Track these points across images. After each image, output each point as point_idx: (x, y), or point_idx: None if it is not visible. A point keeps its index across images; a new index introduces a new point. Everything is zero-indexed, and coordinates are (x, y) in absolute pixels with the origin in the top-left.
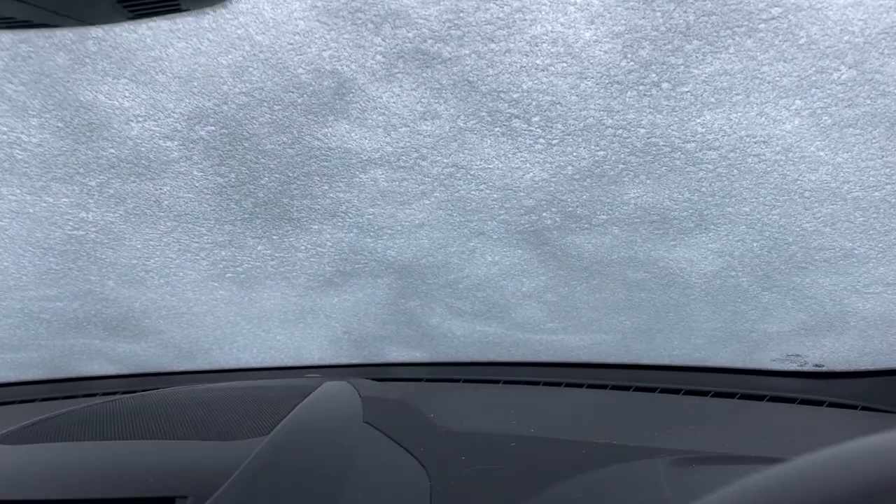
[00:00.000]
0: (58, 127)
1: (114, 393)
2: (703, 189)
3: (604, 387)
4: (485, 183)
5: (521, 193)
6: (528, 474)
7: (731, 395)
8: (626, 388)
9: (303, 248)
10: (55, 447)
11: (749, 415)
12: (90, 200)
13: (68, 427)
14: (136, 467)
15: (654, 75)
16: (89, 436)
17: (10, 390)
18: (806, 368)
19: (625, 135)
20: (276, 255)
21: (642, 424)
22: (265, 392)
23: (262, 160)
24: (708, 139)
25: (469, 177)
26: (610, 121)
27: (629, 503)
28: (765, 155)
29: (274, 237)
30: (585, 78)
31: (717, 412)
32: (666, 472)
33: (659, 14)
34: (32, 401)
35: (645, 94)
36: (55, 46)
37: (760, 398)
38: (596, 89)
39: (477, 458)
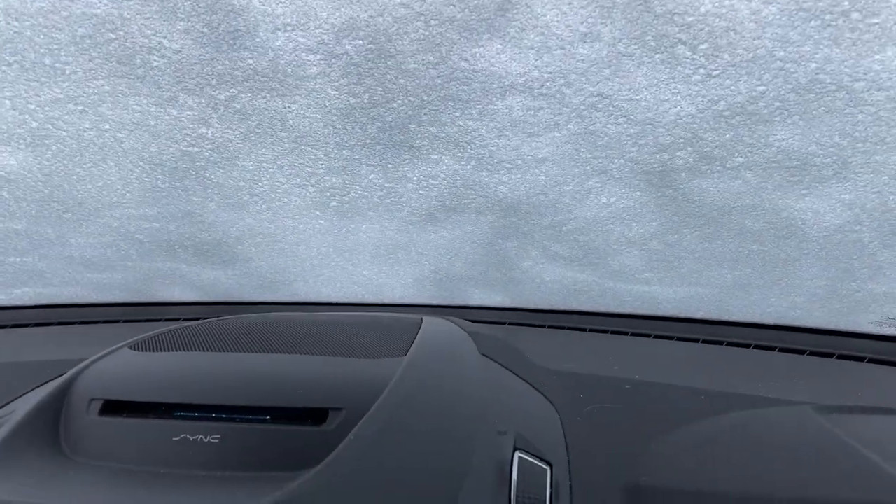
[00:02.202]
0: (202, 33)
1: (196, 319)
2: (857, 134)
3: (695, 340)
4: (625, 116)
5: (661, 129)
6: (653, 416)
7: (828, 355)
8: (718, 343)
9: (415, 178)
10: (193, 355)
11: (848, 374)
12: (214, 115)
13: (198, 338)
14: (284, 378)
15: (846, 2)
16: (223, 347)
17: (93, 311)
18: None
19: (792, 69)
20: (387, 185)
21: (746, 377)
22: (379, 320)
23: (401, 81)
24: (881, 78)
25: (611, 108)
26: (781, 53)
27: (770, 455)
28: None
29: (389, 166)
30: (771, 3)
31: (816, 369)
32: (799, 422)
33: None
34: (116, 321)
35: (829, 25)
36: None
37: (860, 359)
38: (778, 16)
39: (595, 398)
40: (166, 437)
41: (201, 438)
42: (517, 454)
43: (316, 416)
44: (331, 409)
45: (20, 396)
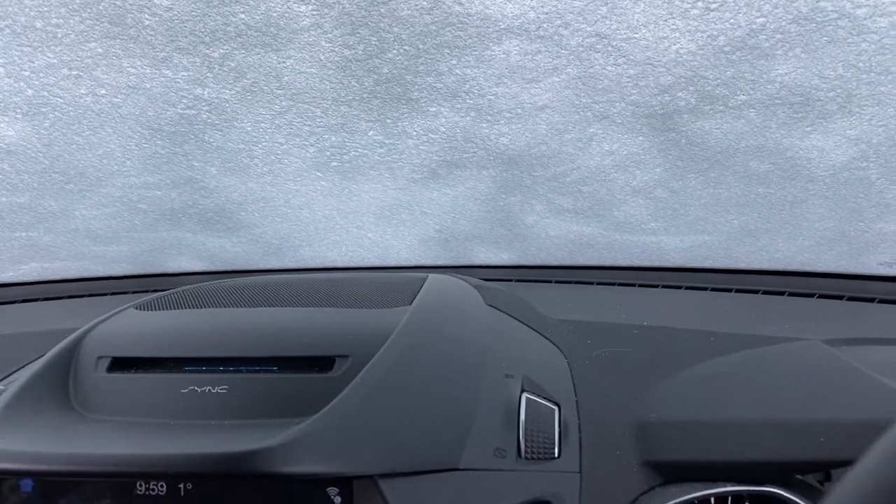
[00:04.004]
0: None
1: None
2: (861, 65)
3: (703, 288)
4: (624, 56)
5: (661, 69)
6: (662, 358)
7: (838, 297)
8: (727, 290)
9: (415, 133)
10: (198, 312)
11: (858, 314)
12: (209, 74)
13: (202, 298)
14: (289, 329)
15: None
16: (228, 305)
17: (100, 283)
18: None
19: None
20: (387, 141)
21: (756, 320)
22: (384, 277)
23: (395, 29)
24: (884, 3)
25: (609, 49)
26: None
27: (780, 385)
28: None
29: (388, 121)
30: None
31: (826, 312)
32: (808, 354)
33: None
34: (124, 293)
35: None
36: None
37: (870, 300)
38: None
39: (602, 343)
40: (174, 391)
41: (209, 390)
42: (525, 395)
43: (323, 363)
44: (337, 357)
45: (32, 361)
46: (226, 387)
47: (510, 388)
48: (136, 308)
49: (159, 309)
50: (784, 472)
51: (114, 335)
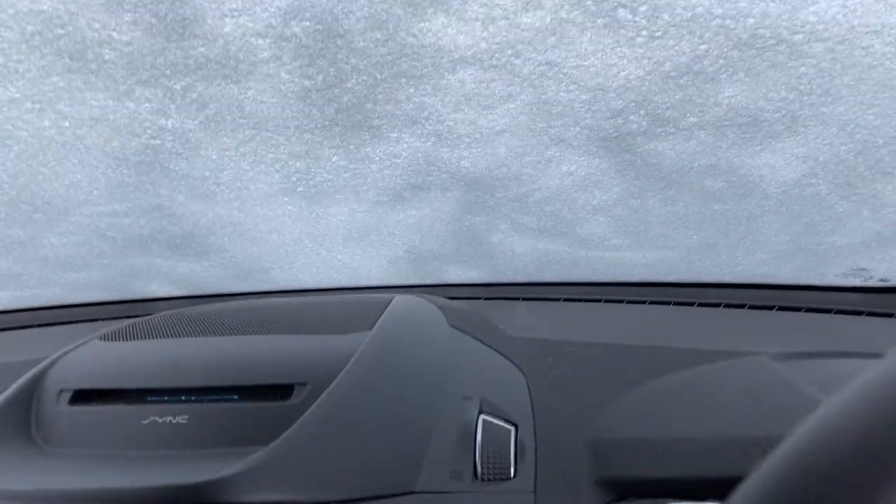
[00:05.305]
0: (150, 23)
1: None
2: (802, 87)
3: (666, 303)
4: (575, 83)
5: (612, 94)
6: (618, 375)
7: (796, 309)
8: (690, 304)
9: (377, 158)
10: (161, 342)
11: (815, 326)
12: (172, 105)
13: (167, 327)
14: (250, 357)
15: None
16: (191, 334)
17: (72, 311)
18: (871, 283)
19: (732, 26)
20: (351, 166)
21: (714, 334)
22: (349, 300)
23: (353, 60)
24: (818, 30)
25: (560, 76)
26: (720, 10)
27: (728, 401)
28: (874, 47)
29: (350, 147)
30: None
31: (784, 324)
32: (756, 369)
33: None
34: (95, 320)
35: None
36: None
37: (827, 311)
38: None
39: (562, 362)
40: (135, 421)
41: (170, 420)
42: (482, 417)
43: (282, 391)
44: (296, 385)
45: None
46: (186, 416)
47: (468, 410)
48: (101, 339)
49: (124, 339)
50: (726, 488)
51: (77, 367)
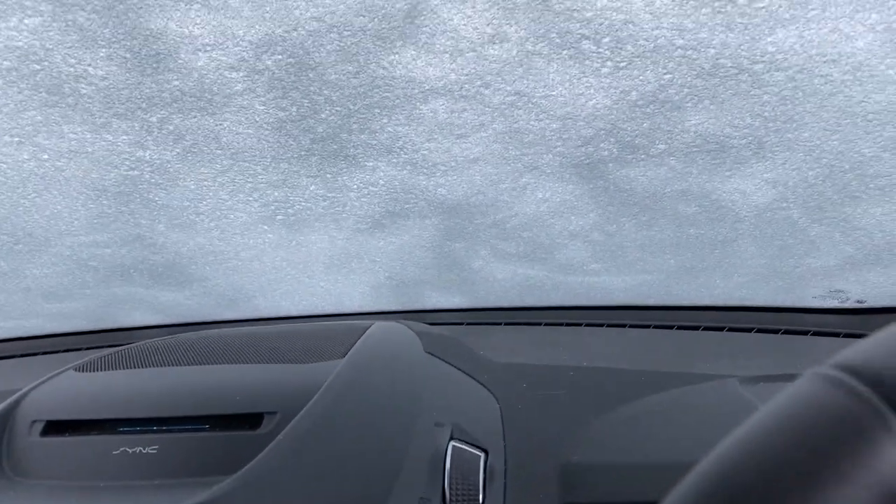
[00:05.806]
0: (125, 58)
1: None
2: (766, 114)
3: (646, 326)
4: (545, 112)
5: (581, 123)
6: (592, 399)
7: (774, 331)
8: (669, 327)
9: (355, 187)
10: (134, 372)
11: (792, 347)
12: (149, 138)
13: (141, 357)
14: (221, 387)
15: None
16: (165, 364)
17: (55, 340)
18: (847, 305)
19: (694, 56)
20: (329, 195)
21: (690, 357)
22: (326, 328)
23: (325, 91)
24: (777, 59)
25: (530, 105)
26: (681, 41)
27: (692, 426)
28: (832, 75)
29: (328, 175)
30: None
31: (761, 346)
32: (723, 393)
33: None
34: (78, 349)
35: (719, 11)
36: None
37: (804, 333)
38: (671, 6)
39: (537, 387)
40: (106, 452)
41: (140, 450)
42: (452, 444)
43: (252, 420)
44: (266, 414)
45: None
46: (157, 447)
47: (438, 436)
48: (76, 370)
49: (98, 370)
50: None
51: (50, 398)
